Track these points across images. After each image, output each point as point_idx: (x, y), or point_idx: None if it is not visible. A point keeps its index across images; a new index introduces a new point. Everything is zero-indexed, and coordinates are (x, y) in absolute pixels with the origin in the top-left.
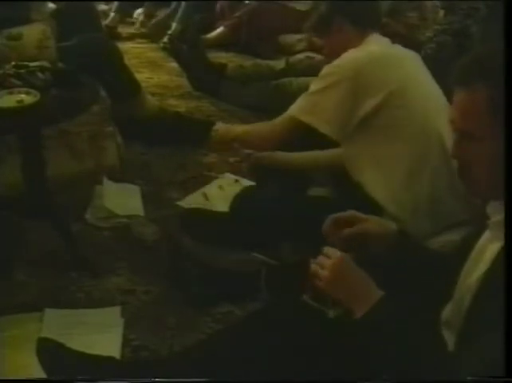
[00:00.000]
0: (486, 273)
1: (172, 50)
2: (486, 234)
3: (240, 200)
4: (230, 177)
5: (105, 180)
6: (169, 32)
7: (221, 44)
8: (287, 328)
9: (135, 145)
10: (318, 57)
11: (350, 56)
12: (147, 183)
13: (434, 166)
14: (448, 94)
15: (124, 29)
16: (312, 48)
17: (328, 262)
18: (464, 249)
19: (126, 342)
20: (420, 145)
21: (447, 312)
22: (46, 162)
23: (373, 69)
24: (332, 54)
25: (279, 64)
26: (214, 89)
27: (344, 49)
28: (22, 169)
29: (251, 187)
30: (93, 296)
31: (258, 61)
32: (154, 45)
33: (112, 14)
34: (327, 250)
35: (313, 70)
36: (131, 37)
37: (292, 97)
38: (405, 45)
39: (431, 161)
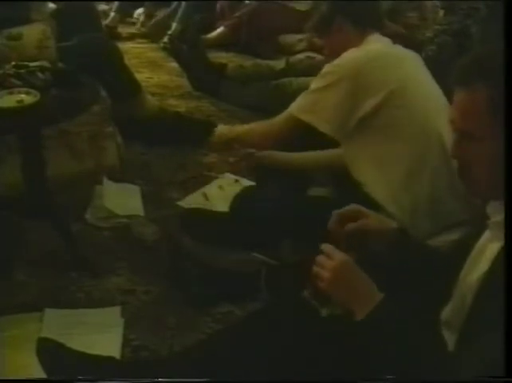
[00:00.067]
0: (486, 273)
1: (172, 50)
2: (486, 234)
3: (240, 200)
4: (230, 177)
5: (105, 180)
6: (169, 32)
7: (221, 44)
8: (287, 328)
9: (135, 145)
10: (318, 57)
11: (350, 55)
12: (147, 183)
13: (434, 166)
14: (448, 94)
15: (124, 29)
16: (312, 48)
17: (330, 263)
18: (464, 249)
19: (126, 342)
20: (420, 145)
21: (446, 312)
22: (46, 162)
23: (373, 69)
24: (333, 54)
25: (279, 64)
26: (214, 89)
27: (345, 49)
28: (22, 169)
29: (251, 187)
30: (93, 296)
31: (258, 61)
32: (154, 45)
33: (112, 14)
34: (328, 249)
35: (313, 70)
36: (131, 37)
37: (292, 97)
38: (405, 46)
39: (430, 161)
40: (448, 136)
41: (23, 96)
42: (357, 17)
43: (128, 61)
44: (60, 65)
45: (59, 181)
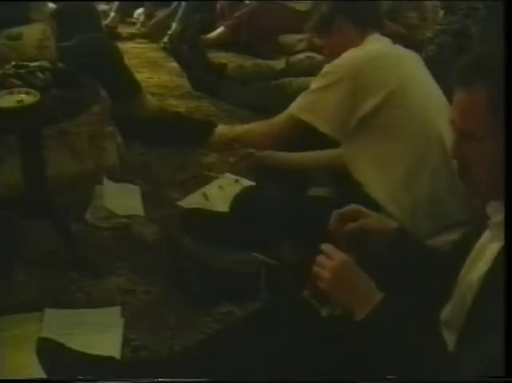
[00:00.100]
0: (486, 273)
1: (172, 50)
2: (486, 234)
3: (240, 200)
4: (230, 177)
5: (105, 180)
6: (169, 32)
7: (221, 44)
8: (287, 328)
9: (135, 145)
10: (318, 57)
11: (350, 55)
12: (147, 183)
13: (434, 166)
14: (448, 94)
15: (124, 29)
16: (312, 48)
17: (330, 263)
18: (464, 249)
19: (126, 342)
20: (420, 145)
21: (446, 312)
22: (46, 162)
23: (373, 69)
24: (333, 54)
25: (279, 64)
26: (214, 89)
27: (345, 49)
28: (22, 169)
29: (251, 187)
30: (93, 296)
31: (258, 61)
32: (154, 45)
33: (112, 14)
34: (328, 249)
35: (313, 70)
36: (131, 37)
37: (292, 97)
38: (405, 46)
39: (430, 161)
40: (448, 136)
41: (23, 96)
42: (357, 17)
43: (128, 61)
44: (60, 65)
45: (59, 181)
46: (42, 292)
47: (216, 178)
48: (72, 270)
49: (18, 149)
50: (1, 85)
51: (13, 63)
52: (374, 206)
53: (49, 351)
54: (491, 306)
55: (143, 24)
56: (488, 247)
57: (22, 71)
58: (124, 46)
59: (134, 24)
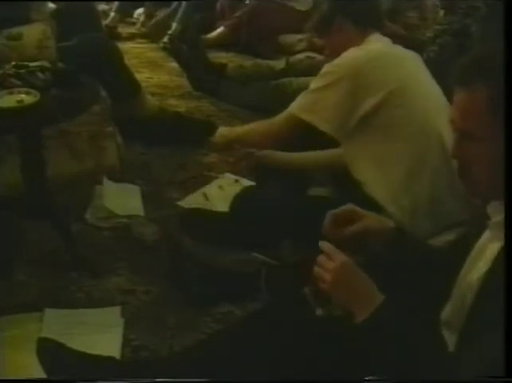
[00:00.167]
0: (486, 273)
1: (172, 50)
2: (487, 234)
3: (240, 200)
4: (230, 177)
5: (105, 180)
6: (169, 32)
7: (221, 44)
8: (287, 328)
9: (135, 145)
10: (318, 57)
11: (350, 55)
12: (147, 183)
13: (434, 166)
14: (449, 94)
15: (124, 29)
16: (312, 48)
17: (330, 264)
18: (464, 248)
19: (126, 342)
20: (420, 145)
21: (446, 312)
22: (46, 162)
23: (373, 68)
24: (333, 54)
25: (279, 64)
26: (214, 89)
27: (345, 49)
28: (22, 169)
29: (251, 187)
30: (93, 296)
31: (258, 61)
32: (154, 45)
33: (112, 14)
34: (327, 249)
35: (313, 70)
36: (131, 37)
37: (292, 97)
38: (406, 46)
39: (430, 161)
40: (448, 136)
41: (23, 96)
42: (357, 16)
43: (128, 61)
44: (60, 65)
45: (59, 181)
46: (42, 292)
47: (216, 178)
48: (72, 270)
49: (18, 149)
50: (2, 85)
51: (13, 63)
52: (374, 206)
53: (49, 351)
54: (491, 306)
55: (143, 24)
56: (488, 247)
57: (22, 71)
58: (124, 46)
59: (134, 24)
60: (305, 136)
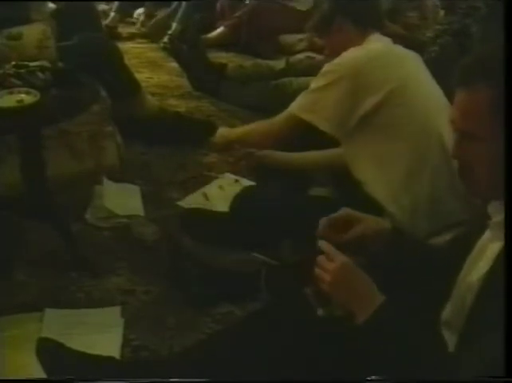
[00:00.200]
0: (486, 273)
1: (172, 50)
2: (487, 234)
3: (240, 200)
4: (230, 177)
5: (105, 180)
6: (169, 32)
7: (221, 44)
8: (287, 328)
9: (135, 145)
10: (318, 57)
11: (351, 54)
12: (147, 183)
13: (434, 165)
14: (449, 95)
15: (124, 29)
16: (312, 48)
17: (330, 265)
18: (464, 249)
19: (126, 342)
20: (420, 144)
21: (447, 312)
22: (46, 162)
23: (374, 68)
24: (333, 54)
25: (279, 64)
26: (214, 89)
27: (345, 49)
28: (22, 169)
29: (251, 187)
30: (93, 296)
31: (258, 61)
32: (154, 45)
33: (112, 14)
34: (327, 249)
35: (313, 70)
36: (131, 37)
37: (292, 97)
38: (406, 46)
39: (431, 161)
40: (449, 136)
41: (23, 96)
42: (358, 16)
43: (128, 61)
44: (60, 64)
45: (59, 181)
46: (42, 292)
47: (216, 178)
48: (72, 270)
49: (18, 149)
50: (2, 85)
51: (13, 63)
52: (374, 206)
53: (49, 351)
54: (491, 306)
55: (143, 24)
56: (488, 247)
57: (22, 71)
58: (124, 46)
59: (134, 24)
60: (305, 135)
